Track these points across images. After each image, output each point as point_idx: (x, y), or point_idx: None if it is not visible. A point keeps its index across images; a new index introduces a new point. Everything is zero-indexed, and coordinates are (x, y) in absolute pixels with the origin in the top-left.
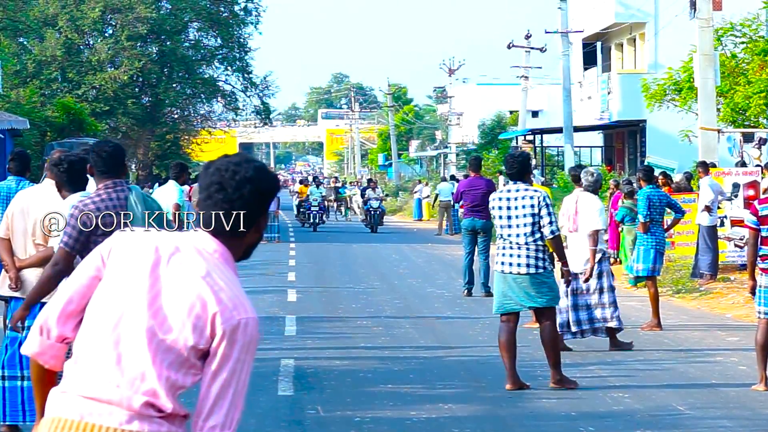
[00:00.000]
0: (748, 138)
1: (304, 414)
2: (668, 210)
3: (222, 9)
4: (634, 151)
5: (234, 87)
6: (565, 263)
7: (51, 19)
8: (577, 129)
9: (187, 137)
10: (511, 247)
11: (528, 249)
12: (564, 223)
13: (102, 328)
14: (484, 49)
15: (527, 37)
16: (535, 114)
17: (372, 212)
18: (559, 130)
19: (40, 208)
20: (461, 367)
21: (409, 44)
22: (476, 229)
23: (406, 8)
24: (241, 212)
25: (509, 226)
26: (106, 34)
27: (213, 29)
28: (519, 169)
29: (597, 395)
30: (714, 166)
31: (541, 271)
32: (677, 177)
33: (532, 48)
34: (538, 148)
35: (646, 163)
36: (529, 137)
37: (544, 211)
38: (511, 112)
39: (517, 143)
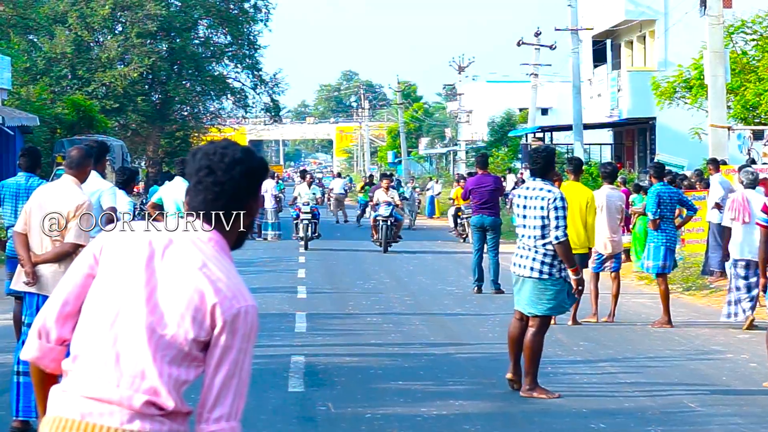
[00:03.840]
0: (758, 135)
1: (315, 411)
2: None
3: (232, 6)
4: (644, 148)
5: (244, 84)
6: (575, 270)
7: (61, 17)
8: (586, 126)
9: (196, 134)
10: (522, 248)
11: (536, 252)
12: (732, 215)
13: (99, 326)
14: (493, 47)
15: (537, 34)
16: (544, 111)
17: (380, 223)
18: (568, 128)
19: (58, 205)
20: (471, 364)
21: (418, 42)
22: (485, 226)
23: (416, 6)
24: (232, 194)
25: (524, 227)
26: (116, 32)
27: (223, 26)
28: (543, 165)
29: (608, 392)
30: (724, 163)
31: (545, 277)
32: (687, 174)
33: (541, 45)
34: None
35: (656, 161)
36: (539, 134)
37: (552, 214)
38: (520, 110)
39: (526, 140)
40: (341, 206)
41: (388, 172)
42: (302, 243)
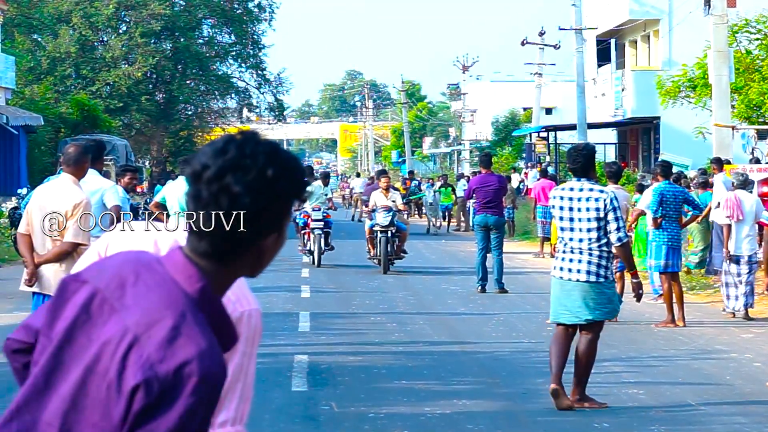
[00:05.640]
0: (762, 134)
1: (318, 410)
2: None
3: (236, 5)
4: (648, 148)
5: (248, 84)
6: (635, 274)
7: (65, 16)
8: (590, 126)
9: (200, 134)
10: (572, 252)
11: (591, 255)
12: (725, 213)
13: None
14: (497, 46)
15: (541, 34)
16: (548, 111)
17: (377, 235)
18: (572, 127)
19: (56, 204)
20: (475, 363)
21: (422, 41)
22: (489, 225)
23: (420, 5)
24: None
25: (571, 230)
26: (120, 31)
27: (227, 26)
28: (583, 164)
29: (611, 391)
30: (728, 162)
31: (602, 280)
32: (691, 173)
33: (545, 45)
34: (551, 145)
35: (661, 159)
36: (543, 134)
37: (611, 216)
38: (524, 109)
39: (531, 140)
40: (361, 205)
41: (385, 169)
42: (312, 258)
